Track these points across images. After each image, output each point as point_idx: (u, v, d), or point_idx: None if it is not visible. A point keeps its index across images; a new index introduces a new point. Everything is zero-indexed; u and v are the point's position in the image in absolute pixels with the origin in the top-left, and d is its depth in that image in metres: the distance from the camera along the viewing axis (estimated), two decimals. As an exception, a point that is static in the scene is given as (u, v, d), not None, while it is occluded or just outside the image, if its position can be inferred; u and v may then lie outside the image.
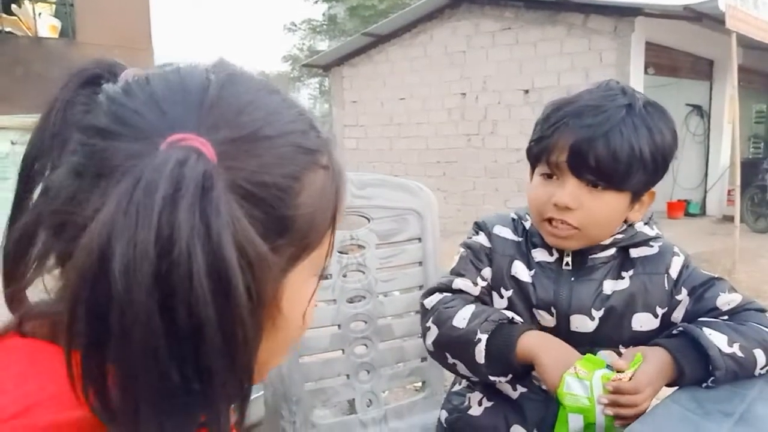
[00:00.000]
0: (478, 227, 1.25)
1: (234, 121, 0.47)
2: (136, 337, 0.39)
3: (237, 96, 0.49)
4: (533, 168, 1.14)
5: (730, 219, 7.49)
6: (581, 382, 1.02)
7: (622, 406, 0.98)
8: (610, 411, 0.98)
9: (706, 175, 9.85)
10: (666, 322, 1.14)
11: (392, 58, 9.75)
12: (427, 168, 9.42)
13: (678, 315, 1.14)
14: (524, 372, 1.09)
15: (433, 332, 1.14)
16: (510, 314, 1.11)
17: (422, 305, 1.19)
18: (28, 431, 0.41)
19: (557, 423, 1.07)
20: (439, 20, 9.15)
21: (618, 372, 1.01)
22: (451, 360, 1.13)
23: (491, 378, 1.09)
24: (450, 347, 1.12)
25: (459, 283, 1.18)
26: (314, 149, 0.51)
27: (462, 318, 1.10)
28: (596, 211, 1.06)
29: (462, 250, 1.24)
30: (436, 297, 1.18)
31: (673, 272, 1.14)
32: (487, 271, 1.20)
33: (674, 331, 1.08)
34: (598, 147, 1.01)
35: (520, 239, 1.20)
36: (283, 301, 0.50)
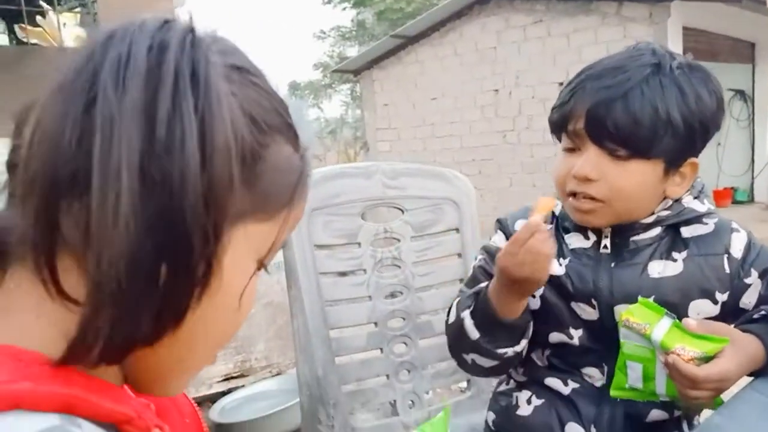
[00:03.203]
0: (499, 225, 1.17)
1: (233, 54, 0.48)
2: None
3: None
4: (560, 141, 1.05)
5: (780, 205, 7.22)
6: (639, 336, 0.93)
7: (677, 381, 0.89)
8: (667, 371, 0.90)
9: (752, 160, 9.54)
10: (730, 309, 1.02)
11: (422, 58, 9.67)
12: (462, 167, 9.30)
13: (749, 300, 1.03)
14: (526, 325, 1.03)
15: (447, 342, 1.13)
16: (485, 284, 1.05)
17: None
18: None
19: (616, 370, 0.98)
20: (468, 17, 9.05)
21: (682, 333, 0.90)
22: (468, 358, 1.07)
23: (502, 350, 1.02)
24: (457, 345, 1.08)
25: None
26: (291, 125, 0.51)
27: (451, 314, 1.09)
28: (621, 182, 0.96)
29: (479, 255, 1.17)
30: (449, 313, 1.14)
31: (736, 252, 1.03)
32: None
33: (756, 316, 0.97)
34: (617, 109, 0.92)
35: (548, 227, 1.11)
36: (225, 258, 0.44)
